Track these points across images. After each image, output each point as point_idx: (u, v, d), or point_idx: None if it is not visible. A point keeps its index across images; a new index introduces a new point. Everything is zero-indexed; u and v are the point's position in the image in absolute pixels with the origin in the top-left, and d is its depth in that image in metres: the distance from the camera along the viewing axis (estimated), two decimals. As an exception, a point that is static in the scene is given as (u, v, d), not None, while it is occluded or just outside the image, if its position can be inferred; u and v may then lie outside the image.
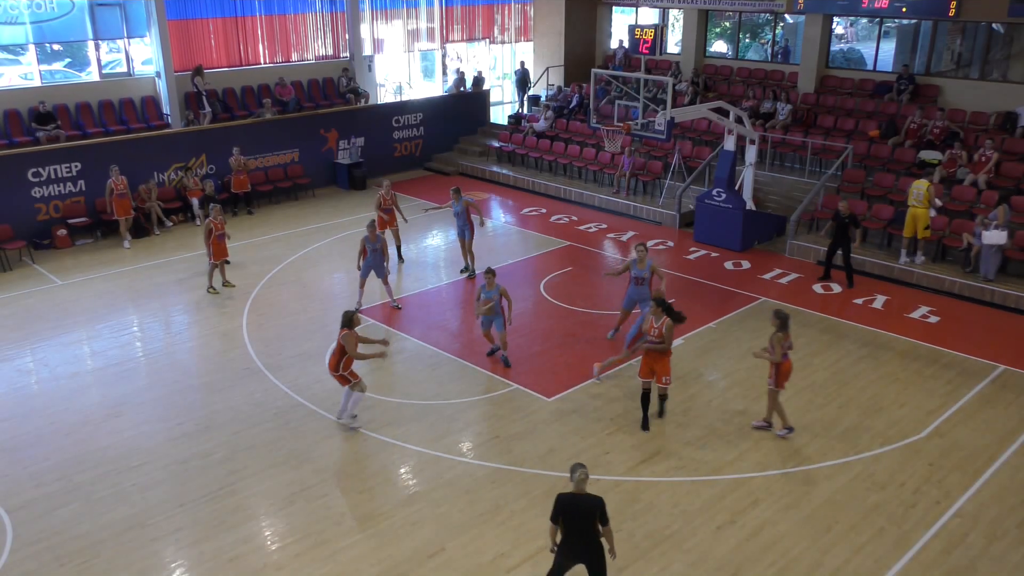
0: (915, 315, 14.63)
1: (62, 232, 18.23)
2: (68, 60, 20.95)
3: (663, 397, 11.27)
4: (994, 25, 19.80)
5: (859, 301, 15.19)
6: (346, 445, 10.71)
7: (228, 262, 15.92)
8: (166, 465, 10.30)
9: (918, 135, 18.83)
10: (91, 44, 20.77)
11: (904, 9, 20.21)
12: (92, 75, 20.92)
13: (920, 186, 15.70)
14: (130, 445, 10.73)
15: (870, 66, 22.26)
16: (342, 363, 10.67)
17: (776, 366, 10.52)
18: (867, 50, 22.89)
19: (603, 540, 7.23)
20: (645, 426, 11.03)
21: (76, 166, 18.52)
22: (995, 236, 15.03)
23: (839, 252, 15.75)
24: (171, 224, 19.45)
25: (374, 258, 14.37)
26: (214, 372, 12.67)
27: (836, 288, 15.76)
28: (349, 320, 10.65)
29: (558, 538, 7.31)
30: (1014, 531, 9.07)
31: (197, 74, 21.36)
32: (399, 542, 8.93)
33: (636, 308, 13.21)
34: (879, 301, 15.17)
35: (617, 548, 8.69)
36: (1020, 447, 10.62)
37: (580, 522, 7.09)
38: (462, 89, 26.09)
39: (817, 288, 15.77)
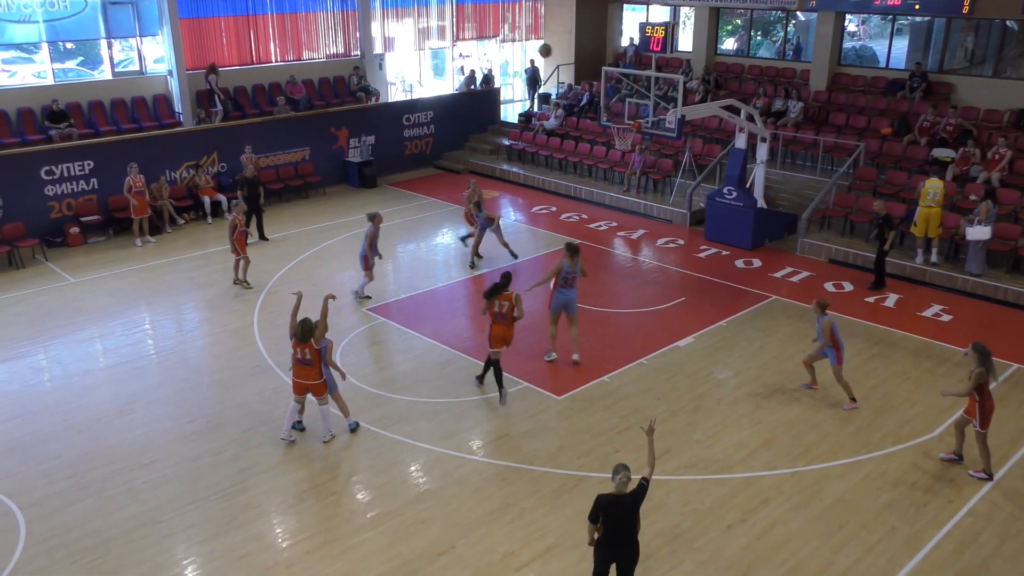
0: (927, 313, 14.55)
1: (75, 230, 18.32)
2: (81, 58, 21.05)
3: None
4: (1008, 22, 19.66)
5: (871, 299, 15.12)
6: (356, 443, 10.73)
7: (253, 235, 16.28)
8: (177, 462, 10.34)
9: (931, 133, 18.72)
10: (104, 42, 20.86)
11: (917, 6, 20.07)
12: (105, 73, 21.02)
13: (937, 186, 15.60)
14: (142, 442, 10.78)
15: (882, 63, 22.13)
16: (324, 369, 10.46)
17: (980, 404, 9.77)
18: (880, 47, 22.77)
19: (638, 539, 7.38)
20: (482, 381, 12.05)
21: (89, 164, 18.61)
22: (979, 232, 15.01)
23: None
24: (183, 222, 19.53)
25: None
26: (225, 370, 12.71)
27: (848, 286, 15.69)
28: (312, 329, 10.31)
29: (595, 538, 7.39)
30: (1027, 531, 9.02)
31: (211, 72, 21.43)
32: (409, 540, 8.94)
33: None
34: (891, 299, 15.10)
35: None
36: (1033, 447, 10.56)
37: (621, 522, 7.19)
38: (472, 87, 26.09)
39: (829, 286, 15.70)
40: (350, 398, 11.71)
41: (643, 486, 7.29)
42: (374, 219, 15.06)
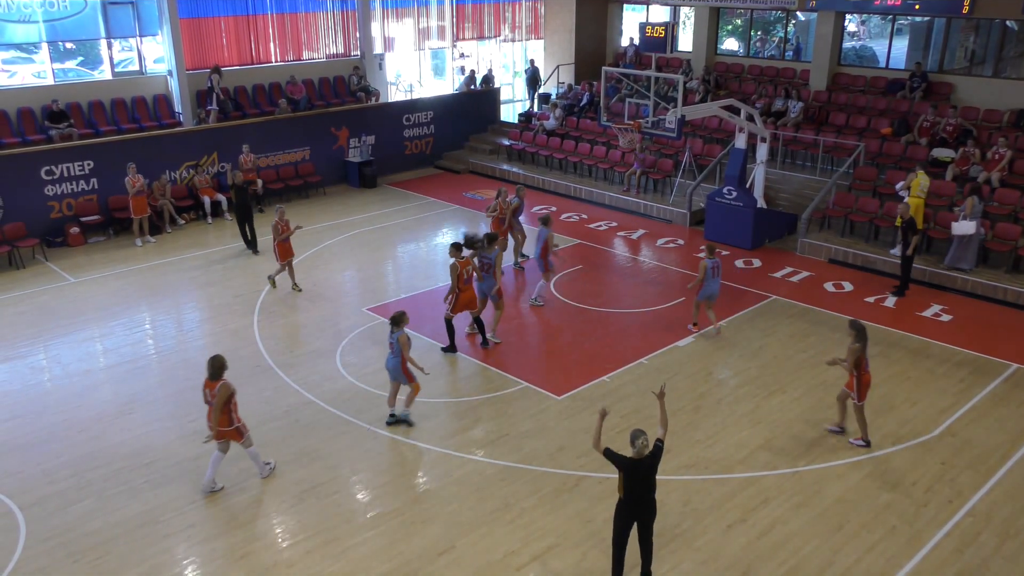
0: (927, 313, 14.56)
1: (75, 230, 18.33)
2: (81, 58, 21.06)
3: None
4: (1008, 22, 19.67)
5: (871, 299, 15.12)
6: (356, 443, 10.73)
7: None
8: (178, 462, 10.35)
9: (931, 133, 18.72)
10: (103, 42, 20.87)
11: (917, 6, 20.09)
12: (104, 73, 21.03)
13: (926, 178, 15.80)
14: (142, 442, 10.79)
15: (882, 63, 22.14)
16: (234, 415, 9.68)
17: (857, 378, 10.25)
18: (880, 47, 22.76)
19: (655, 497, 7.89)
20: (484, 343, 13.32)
21: (89, 164, 18.62)
22: (963, 227, 15.05)
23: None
24: (183, 222, 19.53)
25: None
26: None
27: (848, 286, 15.69)
28: (223, 366, 9.66)
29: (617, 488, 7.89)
30: (1027, 531, 9.03)
31: (214, 72, 21.46)
32: (409, 540, 8.95)
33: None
34: (891, 299, 15.10)
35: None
36: (1033, 446, 10.57)
37: (642, 482, 7.71)
38: (472, 87, 26.11)
39: (828, 286, 15.70)
40: (349, 398, 11.74)
41: (659, 447, 7.75)
42: (548, 222, 14.78)
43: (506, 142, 24.59)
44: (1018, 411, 11.40)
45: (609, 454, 7.66)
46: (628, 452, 7.64)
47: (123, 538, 9.00)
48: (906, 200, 15.60)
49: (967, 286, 15.37)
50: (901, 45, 22.28)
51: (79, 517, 9.34)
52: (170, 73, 21.43)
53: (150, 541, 8.95)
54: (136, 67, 21.51)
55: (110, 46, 20.99)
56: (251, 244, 17.69)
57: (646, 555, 8.11)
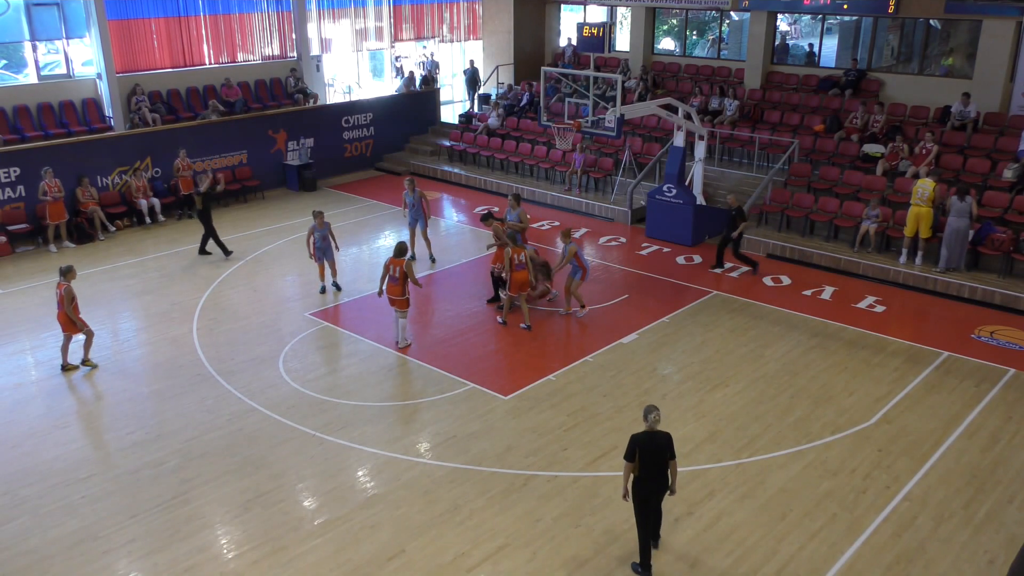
0: (862, 305, 14.95)
1: (2, 239, 17.70)
2: (4, 62, 20.35)
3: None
4: (931, 22, 20.32)
5: (808, 292, 15.47)
6: (301, 449, 10.59)
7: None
8: (116, 476, 10.08)
9: (861, 131, 19.21)
10: (28, 45, 20.22)
11: (845, 6, 20.64)
12: (30, 77, 20.37)
13: (926, 186, 15.43)
14: (78, 456, 10.48)
15: (814, 62, 22.65)
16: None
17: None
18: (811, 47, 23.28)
19: (668, 473, 8.15)
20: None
21: (15, 171, 18.01)
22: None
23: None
24: (115, 229, 19.03)
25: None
26: (164, 379, 12.42)
27: (786, 280, 16.02)
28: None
29: (630, 481, 8.15)
30: (960, 512, 9.32)
31: (133, 94, 21.01)
32: (358, 545, 8.86)
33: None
34: (827, 292, 15.47)
35: (576, 544, 8.80)
36: (964, 431, 10.92)
37: (655, 456, 8.01)
38: (412, 88, 26.00)
39: (767, 281, 16.02)
40: (293, 405, 11.58)
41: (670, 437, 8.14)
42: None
43: (447, 143, 24.52)
44: (949, 398, 11.78)
45: (629, 443, 8.01)
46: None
47: (60, 556, 8.73)
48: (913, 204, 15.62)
49: (899, 277, 15.81)
50: (831, 44, 22.84)
51: (13, 536, 9.02)
52: (99, 76, 20.86)
53: (89, 558, 8.70)
54: (63, 70, 20.88)
55: (35, 49, 20.34)
56: (224, 249, 17.56)
57: (655, 523, 8.53)
